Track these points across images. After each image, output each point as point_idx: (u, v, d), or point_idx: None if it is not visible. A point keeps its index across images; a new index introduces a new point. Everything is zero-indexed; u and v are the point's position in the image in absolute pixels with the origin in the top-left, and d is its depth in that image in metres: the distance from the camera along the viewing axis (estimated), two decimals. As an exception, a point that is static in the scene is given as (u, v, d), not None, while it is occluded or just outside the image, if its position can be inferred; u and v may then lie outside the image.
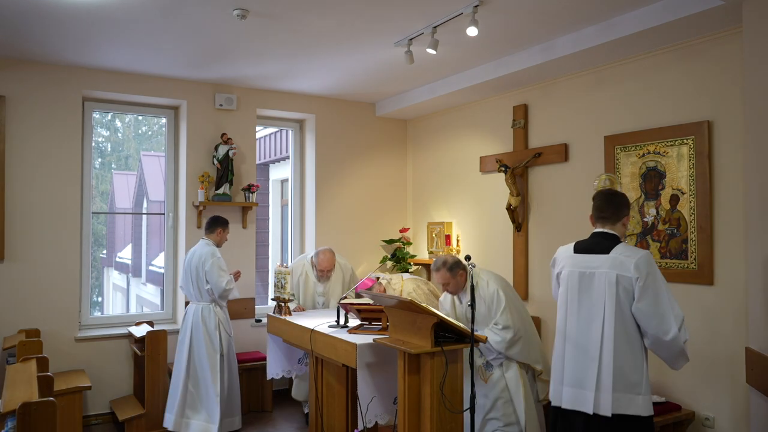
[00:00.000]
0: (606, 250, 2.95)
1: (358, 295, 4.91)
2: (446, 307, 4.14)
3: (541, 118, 5.18)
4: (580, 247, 3.06)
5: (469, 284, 3.39)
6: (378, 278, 5.18)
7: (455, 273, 3.90)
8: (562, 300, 3.08)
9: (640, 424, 2.85)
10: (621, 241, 2.99)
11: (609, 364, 2.84)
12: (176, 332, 5.47)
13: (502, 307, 3.81)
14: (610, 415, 2.83)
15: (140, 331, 5.09)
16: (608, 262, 2.91)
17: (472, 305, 3.29)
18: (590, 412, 2.87)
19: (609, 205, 3.04)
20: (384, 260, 6.54)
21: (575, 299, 2.99)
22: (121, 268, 10.53)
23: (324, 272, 5.21)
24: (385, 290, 4.99)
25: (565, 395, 2.98)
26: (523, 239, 5.29)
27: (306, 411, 5.24)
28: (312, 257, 5.31)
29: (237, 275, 5.02)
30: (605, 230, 3.02)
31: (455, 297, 4.08)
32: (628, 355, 2.85)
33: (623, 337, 2.85)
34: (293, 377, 5.25)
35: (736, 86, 3.77)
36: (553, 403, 3.07)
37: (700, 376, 3.91)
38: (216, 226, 4.99)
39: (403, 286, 5.12)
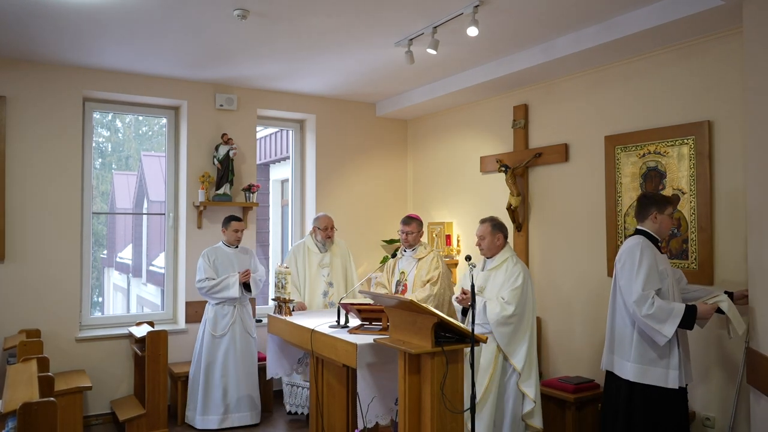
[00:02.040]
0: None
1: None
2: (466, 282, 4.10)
3: (542, 118, 5.18)
4: None
5: (469, 284, 3.40)
6: (377, 277, 5.18)
7: (495, 233, 4.10)
8: None
9: (630, 388, 3.37)
10: (640, 233, 3.48)
11: (611, 330, 3.52)
12: (176, 332, 5.64)
13: (515, 287, 3.92)
14: (606, 370, 3.53)
15: (141, 331, 5.09)
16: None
17: (473, 305, 3.30)
18: (602, 368, 3.61)
19: (637, 205, 3.61)
20: (384, 260, 6.51)
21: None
22: (122, 268, 10.54)
23: (326, 231, 5.27)
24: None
25: None
26: (523, 239, 5.29)
27: (305, 413, 5.25)
28: (311, 229, 5.40)
29: (243, 275, 5.09)
30: (637, 226, 3.57)
31: (477, 267, 4.05)
32: (621, 326, 3.45)
33: (620, 311, 3.47)
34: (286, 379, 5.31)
35: (736, 86, 3.77)
36: None
37: (700, 376, 3.91)
38: (222, 227, 5.29)
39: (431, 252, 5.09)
